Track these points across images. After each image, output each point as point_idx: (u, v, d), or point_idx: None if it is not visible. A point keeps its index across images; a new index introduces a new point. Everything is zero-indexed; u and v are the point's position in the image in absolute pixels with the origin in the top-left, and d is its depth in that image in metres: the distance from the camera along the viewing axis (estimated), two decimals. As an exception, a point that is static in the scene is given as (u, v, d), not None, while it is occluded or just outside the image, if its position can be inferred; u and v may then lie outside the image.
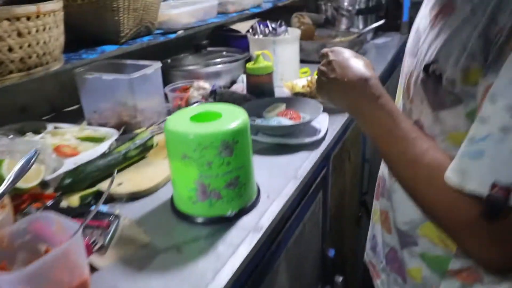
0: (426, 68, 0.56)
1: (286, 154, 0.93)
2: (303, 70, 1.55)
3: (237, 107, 0.74)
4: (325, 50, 0.70)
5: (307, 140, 0.95)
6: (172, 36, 1.30)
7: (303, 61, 1.64)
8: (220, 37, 1.65)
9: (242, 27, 1.67)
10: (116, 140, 0.95)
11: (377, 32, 2.12)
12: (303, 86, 1.28)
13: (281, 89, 1.29)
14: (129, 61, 1.16)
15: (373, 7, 2.07)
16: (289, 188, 0.80)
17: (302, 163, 0.88)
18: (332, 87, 0.66)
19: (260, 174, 0.81)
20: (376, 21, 2.12)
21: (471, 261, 0.57)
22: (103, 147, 0.88)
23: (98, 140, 0.94)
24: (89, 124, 1.10)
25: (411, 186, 0.55)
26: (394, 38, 2.09)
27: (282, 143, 0.96)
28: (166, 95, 1.21)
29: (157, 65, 1.11)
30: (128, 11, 1.10)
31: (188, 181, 0.68)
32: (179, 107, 1.18)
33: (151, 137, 0.91)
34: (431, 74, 0.55)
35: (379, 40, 2.08)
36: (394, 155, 0.57)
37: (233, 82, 1.38)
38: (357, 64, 0.63)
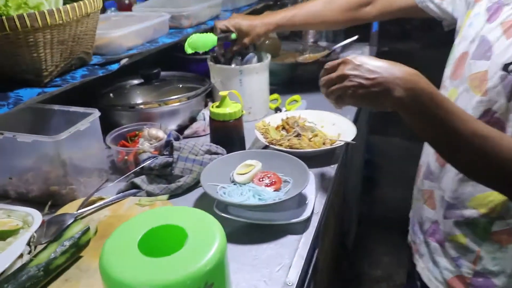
0: (505, 66, 0.66)
1: (266, 241, 0.72)
2: (273, 97, 1.34)
3: (207, 215, 0.52)
4: (331, 63, 0.70)
5: (294, 219, 0.75)
6: (114, 67, 1.04)
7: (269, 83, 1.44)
8: (174, 59, 1.40)
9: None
10: (39, 228, 0.70)
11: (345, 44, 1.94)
12: (278, 128, 1.07)
13: (250, 127, 1.07)
14: (57, 107, 0.90)
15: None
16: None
17: (291, 257, 0.68)
18: (372, 91, 0.63)
19: (237, 281, 0.60)
20: (345, 32, 1.95)
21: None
22: (14, 251, 0.63)
23: (7, 234, 0.68)
24: (4, 194, 0.84)
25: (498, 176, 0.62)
26: (364, 51, 1.93)
27: (261, 223, 0.75)
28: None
29: (94, 115, 0.85)
30: (51, 45, 0.83)
31: None
32: (125, 163, 0.93)
33: (86, 231, 0.66)
34: (510, 72, 0.66)
35: (348, 53, 1.90)
36: (466, 153, 0.62)
37: (193, 119, 1.15)
38: (391, 62, 0.64)
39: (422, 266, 0.87)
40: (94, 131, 0.86)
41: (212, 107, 0.96)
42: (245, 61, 1.21)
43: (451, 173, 0.78)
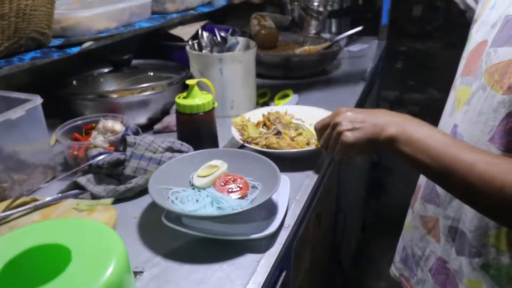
0: None
1: (219, 260, 0.59)
2: (262, 91, 1.20)
3: (108, 231, 0.39)
4: (320, 121, 0.71)
5: (255, 235, 0.61)
6: (74, 50, 0.92)
7: (261, 76, 1.30)
8: (155, 47, 1.27)
9: (186, 32, 1.30)
10: None
11: (351, 36, 1.78)
12: (259, 125, 0.94)
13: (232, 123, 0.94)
14: (-3, 92, 0.78)
15: (347, 9, 1.74)
16: None
17: (243, 284, 0.54)
18: (367, 128, 0.61)
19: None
20: (351, 24, 1.80)
21: None
22: None
23: None
24: None
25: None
26: (372, 45, 1.78)
27: (216, 238, 0.62)
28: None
29: (33, 102, 0.73)
30: (-15, 19, 0.72)
31: None
32: (75, 159, 0.81)
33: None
34: None
35: (354, 47, 1.75)
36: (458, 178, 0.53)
37: (165, 112, 1.02)
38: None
39: None
40: (34, 120, 0.74)
41: (179, 97, 0.83)
42: (227, 48, 1.07)
43: None
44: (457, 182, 0.53)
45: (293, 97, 1.15)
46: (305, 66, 1.34)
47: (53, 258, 0.37)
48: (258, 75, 1.29)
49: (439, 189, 0.68)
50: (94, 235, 0.38)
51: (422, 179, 0.75)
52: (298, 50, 1.46)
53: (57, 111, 0.91)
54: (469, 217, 0.62)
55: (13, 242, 0.37)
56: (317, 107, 0.99)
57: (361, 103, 1.26)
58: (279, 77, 1.35)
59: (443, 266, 0.67)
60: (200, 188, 0.70)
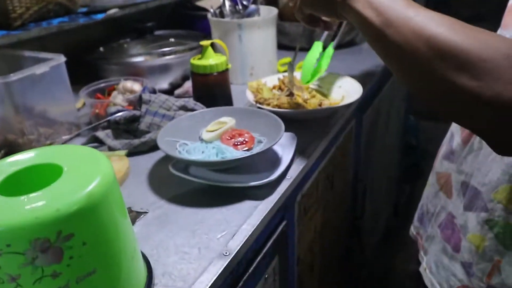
0: None
1: (219, 205, 0.61)
2: (284, 61, 1.21)
3: (98, 155, 0.42)
4: None
5: (253, 182, 0.63)
6: (99, 16, 0.97)
7: (286, 47, 1.30)
8: (179, 17, 1.31)
9: (212, 3, 1.32)
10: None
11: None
12: (274, 88, 0.95)
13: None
14: (27, 53, 0.84)
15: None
16: (208, 276, 0.48)
17: (238, 225, 0.57)
18: None
19: (167, 245, 0.50)
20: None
21: None
22: None
23: None
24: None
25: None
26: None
27: (218, 185, 0.64)
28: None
29: (56, 60, 0.78)
30: (14, -17, 0.77)
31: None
32: (97, 117, 0.86)
33: None
34: None
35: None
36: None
37: (186, 78, 1.05)
38: None
39: (425, 267, 0.71)
40: (58, 78, 0.79)
41: (194, 59, 0.86)
42: (247, 14, 1.08)
43: (481, 151, 0.61)
44: (391, 38, 0.46)
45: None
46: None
47: (47, 175, 0.40)
48: (283, 46, 1.30)
49: (454, 145, 0.67)
50: (87, 158, 0.42)
51: (446, 138, 0.73)
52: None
53: (85, 77, 0.97)
54: (482, 171, 0.60)
55: (13, 163, 0.41)
56: (333, 73, 0.97)
57: (388, 75, 1.23)
58: (304, 49, 1.34)
59: (451, 221, 0.66)
60: (208, 141, 0.72)
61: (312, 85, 0.97)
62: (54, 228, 0.34)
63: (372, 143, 1.24)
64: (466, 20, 0.45)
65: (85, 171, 0.40)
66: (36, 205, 0.34)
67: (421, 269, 0.73)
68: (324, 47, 0.91)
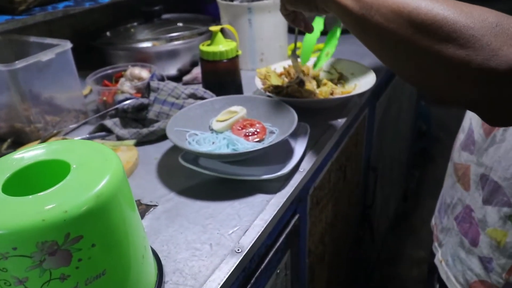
0: None
1: (230, 198, 0.60)
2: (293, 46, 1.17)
3: (109, 152, 0.40)
4: None
5: (266, 175, 0.61)
6: (105, 0, 0.94)
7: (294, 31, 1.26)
8: (188, 0, 1.27)
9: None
10: None
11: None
12: (282, 74, 0.92)
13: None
14: (32, 38, 0.82)
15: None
16: (220, 274, 0.47)
17: (250, 220, 0.55)
18: None
19: (177, 241, 0.49)
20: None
21: None
22: None
23: None
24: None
25: None
26: None
27: (229, 178, 0.63)
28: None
29: (63, 46, 0.76)
30: (18, -35, 0.75)
31: (-5, 301, 0.36)
32: (104, 105, 0.84)
33: None
34: None
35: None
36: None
37: (194, 64, 1.03)
38: None
39: (440, 259, 0.70)
40: (64, 65, 0.77)
41: (203, 45, 0.83)
42: (258, -2, 1.05)
43: (503, 144, 0.59)
44: (372, 22, 0.44)
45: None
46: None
47: (54, 172, 0.39)
48: (294, 31, 1.26)
49: (476, 136, 0.64)
50: (95, 154, 0.40)
51: (464, 127, 0.71)
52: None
53: (92, 63, 0.95)
54: (503, 165, 0.58)
55: (20, 159, 0.40)
56: (346, 59, 0.94)
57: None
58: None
59: (469, 215, 0.64)
60: (218, 132, 0.71)
61: (322, 72, 0.94)
62: (62, 230, 0.33)
63: (384, 130, 1.22)
64: (480, 1, 0.43)
65: (93, 169, 0.38)
66: (43, 207, 0.33)
67: (436, 261, 0.72)
68: (325, 25, 0.88)
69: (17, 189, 0.37)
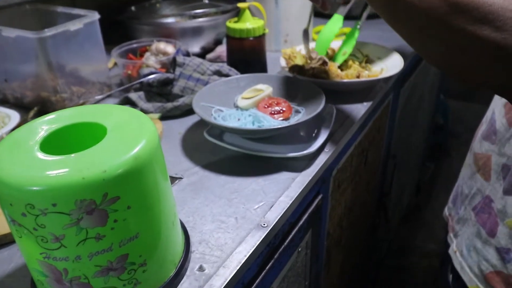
0: None
1: (255, 175, 0.59)
2: (318, 29, 1.16)
3: (145, 117, 0.40)
4: None
5: (292, 153, 0.61)
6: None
7: (322, 14, 1.25)
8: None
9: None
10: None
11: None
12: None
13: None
14: (60, 9, 0.82)
15: None
16: (246, 246, 0.47)
17: (276, 197, 0.55)
18: None
19: (203, 213, 0.49)
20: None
21: None
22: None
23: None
24: (4, 98, 0.79)
25: None
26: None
27: (255, 154, 0.62)
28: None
29: (90, 17, 0.76)
30: None
31: (31, 258, 0.37)
32: (129, 78, 0.84)
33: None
34: None
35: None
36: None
37: (218, 42, 1.02)
38: None
39: (455, 249, 0.69)
40: (91, 36, 0.77)
41: (230, 22, 0.82)
42: (285, -23, 1.03)
43: None
44: (404, 2, 0.41)
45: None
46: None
47: (90, 134, 0.39)
48: (319, 13, 1.24)
49: (498, 125, 0.63)
50: (130, 118, 0.40)
51: (487, 116, 0.70)
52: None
53: (116, 37, 0.95)
54: None
55: (54, 119, 0.40)
56: (372, 43, 0.93)
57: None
58: (318, 14, 1.28)
59: (488, 205, 0.63)
60: (243, 109, 0.70)
61: (350, 56, 0.92)
62: (100, 190, 0.33)
63: (404, 119, 1.20)
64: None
65: (130, 132, 0.38)
66: (83, 165, 0.33)
67: (450, 251, 0.71)
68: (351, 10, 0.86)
69: (53, 149, 0.37)
